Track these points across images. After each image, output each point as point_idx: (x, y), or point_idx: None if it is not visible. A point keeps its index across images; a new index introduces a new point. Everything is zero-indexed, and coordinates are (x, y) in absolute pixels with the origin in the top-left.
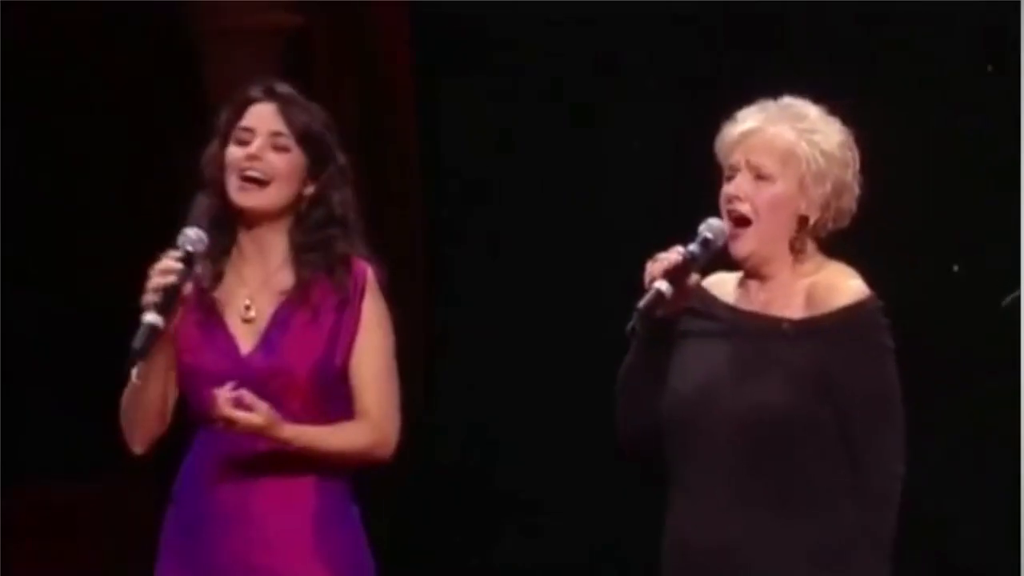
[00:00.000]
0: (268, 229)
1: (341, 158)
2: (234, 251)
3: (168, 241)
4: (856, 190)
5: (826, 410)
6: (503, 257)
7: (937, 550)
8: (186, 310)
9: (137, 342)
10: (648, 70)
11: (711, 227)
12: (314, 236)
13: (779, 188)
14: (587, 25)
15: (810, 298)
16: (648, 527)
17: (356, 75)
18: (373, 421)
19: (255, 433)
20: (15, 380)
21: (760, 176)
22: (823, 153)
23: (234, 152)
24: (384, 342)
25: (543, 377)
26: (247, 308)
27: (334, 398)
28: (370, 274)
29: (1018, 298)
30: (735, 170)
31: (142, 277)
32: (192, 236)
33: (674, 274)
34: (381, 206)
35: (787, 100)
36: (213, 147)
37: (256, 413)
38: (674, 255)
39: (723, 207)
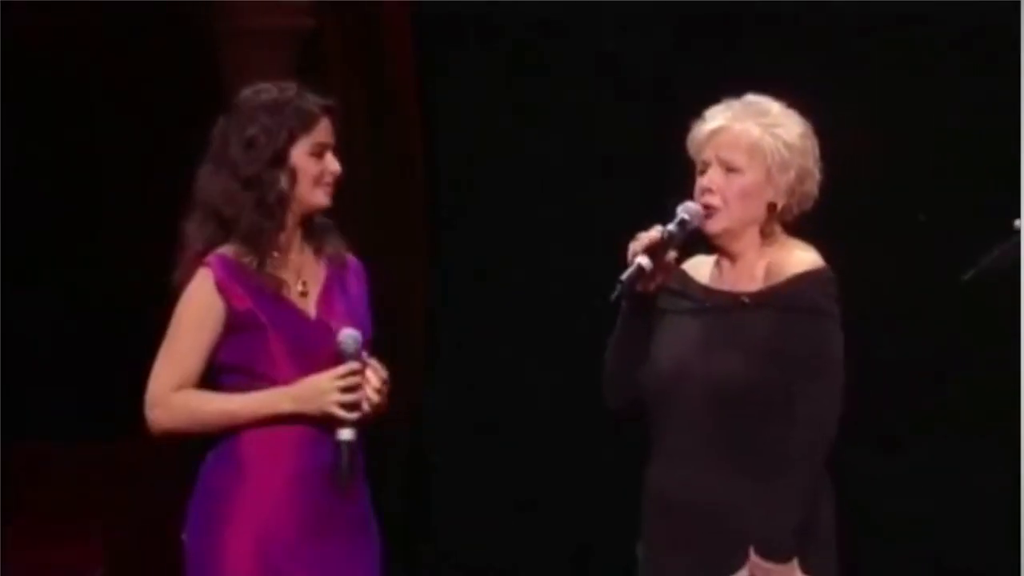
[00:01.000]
0: (305, 222)
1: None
2: (281, 239)
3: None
4: (817, 175)
5: (782, 374)
6: (502, 251)
7: (931, 549)
8: (254, 292)
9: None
10: (650, 71)
11: (687, 209)
12: (327, 226)
13: (748, 179)
14: (590, 25)
15: (768, 272)
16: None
17: (364, 74)
18: None
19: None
20: (23, 343)
21: (730, 169)
22: (786, 145)
23: (319, 165)
24: None
25: (541, 370)
26: (303, 284)
27: None
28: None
29: (980, 272)
30: (707, 164)
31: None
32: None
33: (653, 250)
34: (386, 197)
35: (750, 98)
36: (267, 154)
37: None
38: (654, 233)
39: (697, 199)
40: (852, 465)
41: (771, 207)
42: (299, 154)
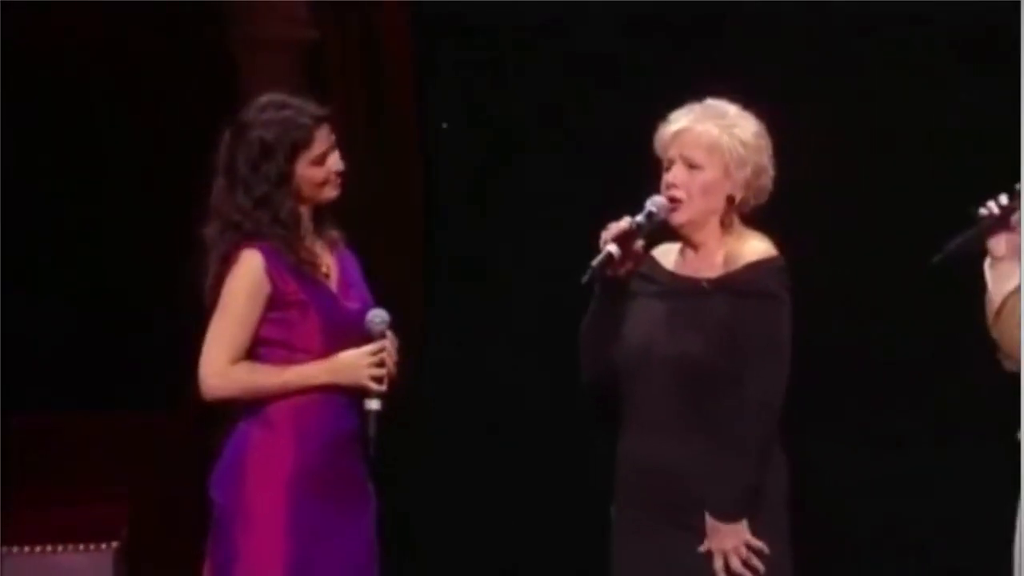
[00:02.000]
0: (314, 213)
1: None
2: (301, 232)
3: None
4: (771, 171)
5: (737, 353)
6: (496, 250)
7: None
8: (295, 274)
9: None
10: (644, 70)
11: (655, 202)
12: (324, 214)
13: (708, 175)
14: (587, 28)
15: (726, 259)
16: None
17: (364, 82)
18: None
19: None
20: (30, 311)
21: (692, 166)
22: (742, 143)
23: (322, 170)
24: None
25: (535, 367)
26: (326, 267)
27: None
28: None
29: (948, 257)
30: (672, 162)
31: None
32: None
33: (622, 239)
34: (384, 195)
35: (710, 101)
36: (273, 175)
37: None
38: (623, 223)
39: (663, 193)
40: (828, 459)
41: (730, 200)
42: (302, 167)
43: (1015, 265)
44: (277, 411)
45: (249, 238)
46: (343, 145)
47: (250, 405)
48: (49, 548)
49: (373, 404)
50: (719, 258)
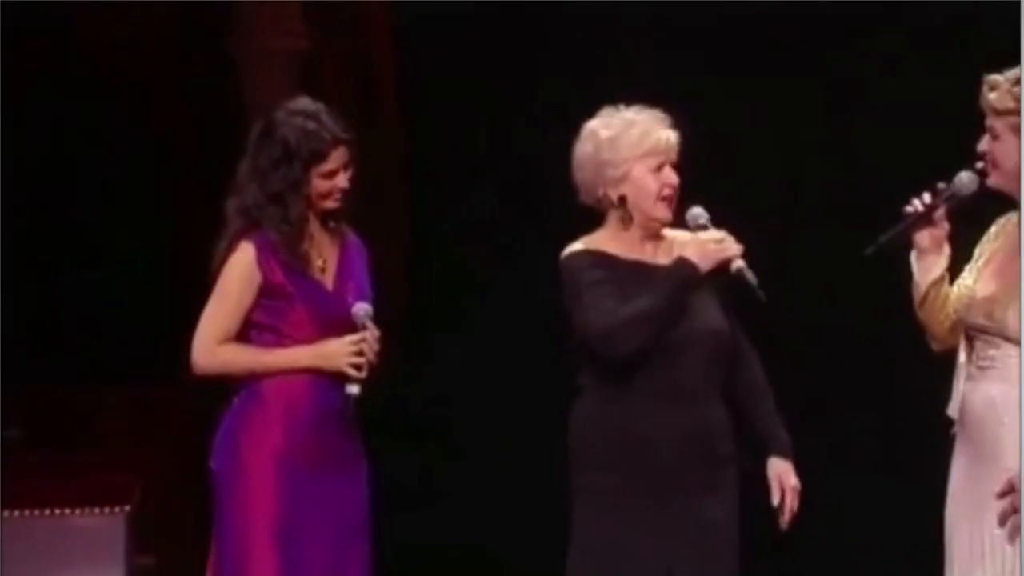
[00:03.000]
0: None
1: None
2: (303, 230)
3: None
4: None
5: (733, 329)
6: (477, 249)
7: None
8: (285, 268)
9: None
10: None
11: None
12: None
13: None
14: (569, 43)
15: (671, 247)
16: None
17: (354, 90)
18: None
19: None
20: (47, 287)
21: (676, 169)
22: None
23: (329, 183)
24: None
25: (515, 359)
26: (323, 261)
27: None
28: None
29: (879, 249)
30: (670, 164)
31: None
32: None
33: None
34: (372, 196)
35: (640, 109)
36: (289, 179)
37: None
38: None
39: (664, 192)
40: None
41: None
42: (314, 177)
43: (938, 257)
44: (269, 389)
45: (255, 226)
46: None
47: (245, 383)
48: (67, 511)
49: (352, 389)
50: (671, 249)
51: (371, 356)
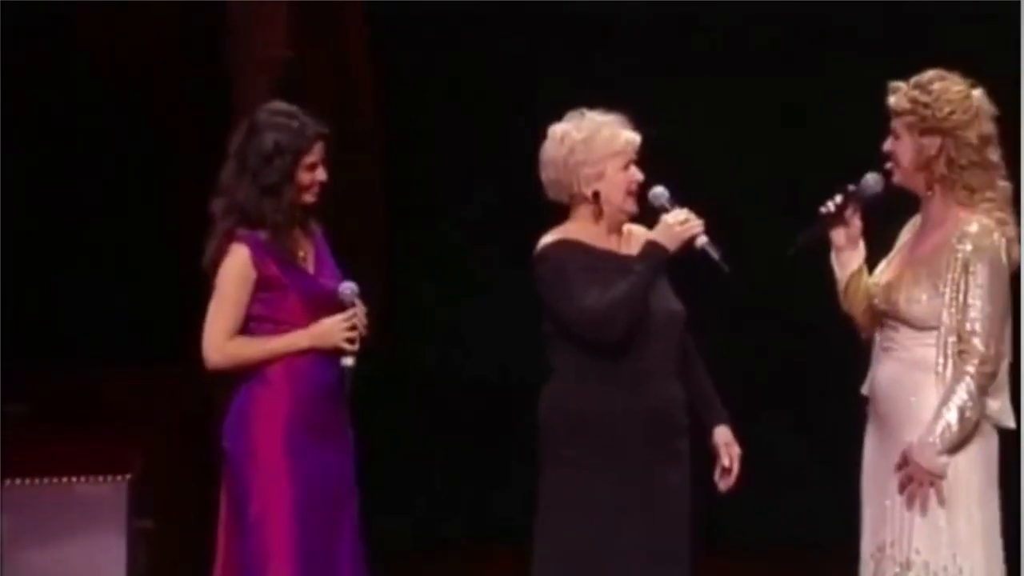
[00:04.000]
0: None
1: None
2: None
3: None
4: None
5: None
6: (449, 239)
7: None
8: (277, 261)
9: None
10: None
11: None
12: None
13: None
14: (544, 50)
15: (636, 242)
16: None
17: (334, 95)
18: None
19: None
20: (56, 270)
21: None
22: None
23: (311, 176)
24: None
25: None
26: (304, 252)
27: None
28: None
29: (799, 248)
30: (634, 162)
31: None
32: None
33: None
34: (351, 195)
35: (603, 112)
36: (280, 170)
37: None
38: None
39: (632, 187)
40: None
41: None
42: (300, 171)
43: (854, 252)
44: (273, 372)
45: (247, 224)
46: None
47: (251, 369)
48: (73, 479)
49: (348, 361)
50: (630, 239)
51: (362, 330)
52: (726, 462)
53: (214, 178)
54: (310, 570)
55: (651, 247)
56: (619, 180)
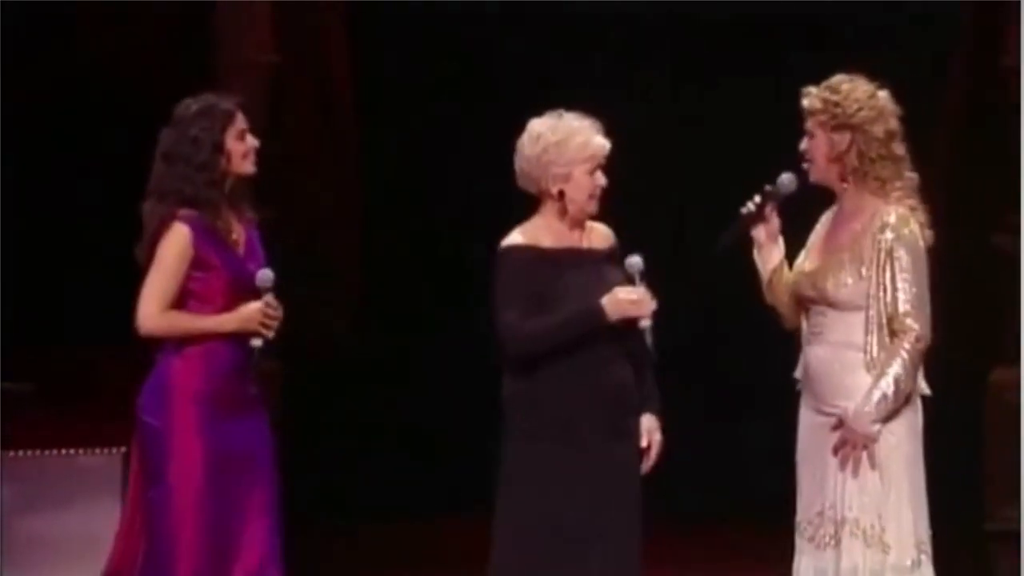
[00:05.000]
0: (231, 191)
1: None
2: (222, 203)
3: None
4: None
5: None
6: (422, 224)
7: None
8: (213, 241)
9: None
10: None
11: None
12: (246, 192)
13: None
14: (520, 55)
15: (596, 237)
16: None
17: (314, 95)
18: None
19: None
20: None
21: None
22: None
23: (243, 144)
24: None
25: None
26: (236, 237)
27: None
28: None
29: (723, 247)
30: (601, 167)
31: None
32: (785, 180)
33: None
34: (329, 195)
35: (579, 116)
36: (209, 145)
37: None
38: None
39: (595, 192)
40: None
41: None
42: (230, 140)
43: (774, 248)
44: (189, 349)
45: (183, 205)
46: (298, 144)
47: (169, 343)
48: (72, 452)
49: (256, 342)
50: (591, 233)
51: (278, 317)
52: (644, 444)
53: None
54: (217, 540)
55: (593, 309)
56: (584, 184)
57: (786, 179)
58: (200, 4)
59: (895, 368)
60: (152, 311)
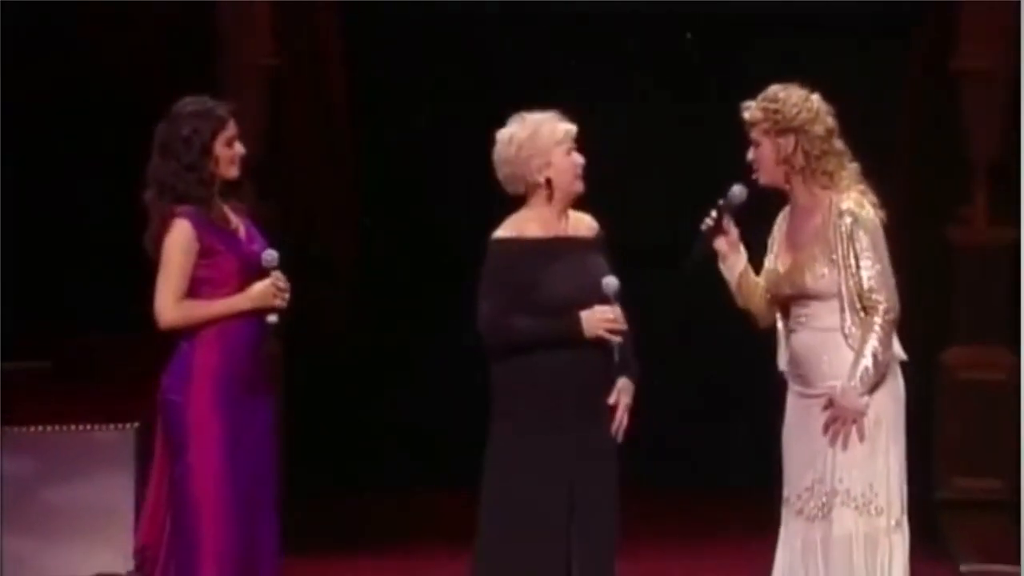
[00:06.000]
0: (221, 189)
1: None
2: (215, 198)
3: None
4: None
5: None
6: (410, 216)
7: None
8: (214, 231)
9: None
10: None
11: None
12: (241, 185)
13: None
14: (511, 58)
15: (582, 226)
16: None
17: (312, 96)
18: None
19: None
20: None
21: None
22: None
23: (230, 151)
24: None
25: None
26: (235, 225)
27: None
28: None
29: (689, 263)
30: (574, 149)
31: None
32: (736, 191)
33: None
34: (326, 192)
35: (539, 112)
36: (198, 148)
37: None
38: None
39: (577, 170)
40: None
41: None
42: (219, 146)
43: (738, 256)
44: (208, 331)
45: (180, 202)
46: (296, 145)
47: (189, 329)
48: (88, 427)
49: (272, 319)
50: (576, 223)
51: (287, 290)
52: (611, 401)
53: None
54: (239, 513)
55: (571, 323)
56: (566, 165)
57: (737, 191)
58: (201, 6)
59: (871, 342)
60: (168, 304)
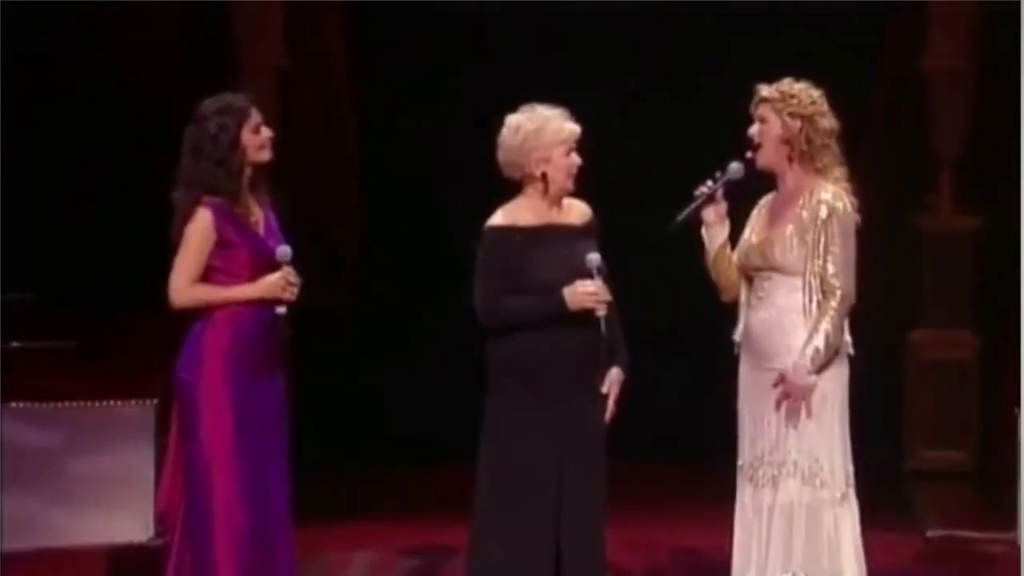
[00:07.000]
0: (251, 179)
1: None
2: (243, 190)
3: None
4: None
5: None
6: (411, 214)
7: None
8: (233, 223)
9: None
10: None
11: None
12: (261, 178)
13: None
14: (510, 54)
15: (574, 213)
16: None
17: (317, 94)
18: None
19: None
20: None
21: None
22: None
23: (258, 137)
24: None
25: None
26: (255, 219)
27: None
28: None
29: (678, 225)
30: (574, 149)
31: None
32: (734, 167)
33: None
34: (332, 187)
35: (550, 107)
36: (226, 142)
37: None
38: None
39: (572, 171)
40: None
41: None
42: (246, 135)
43: (721, 227)
44: (219, 315)
45: (208, 194)
46: (301, 143)
47: (201, 312)
48: (110, 403)
49: (281, 309)
50: (568, 210)
51: (296, 284)
52: (604, 390)
53: None
54: (249, 484)
55: (557, 298)
56: (563, 164)
57: (735, 166)
58: (213, 8)
59: (824, 325)
60: (181, 286)
